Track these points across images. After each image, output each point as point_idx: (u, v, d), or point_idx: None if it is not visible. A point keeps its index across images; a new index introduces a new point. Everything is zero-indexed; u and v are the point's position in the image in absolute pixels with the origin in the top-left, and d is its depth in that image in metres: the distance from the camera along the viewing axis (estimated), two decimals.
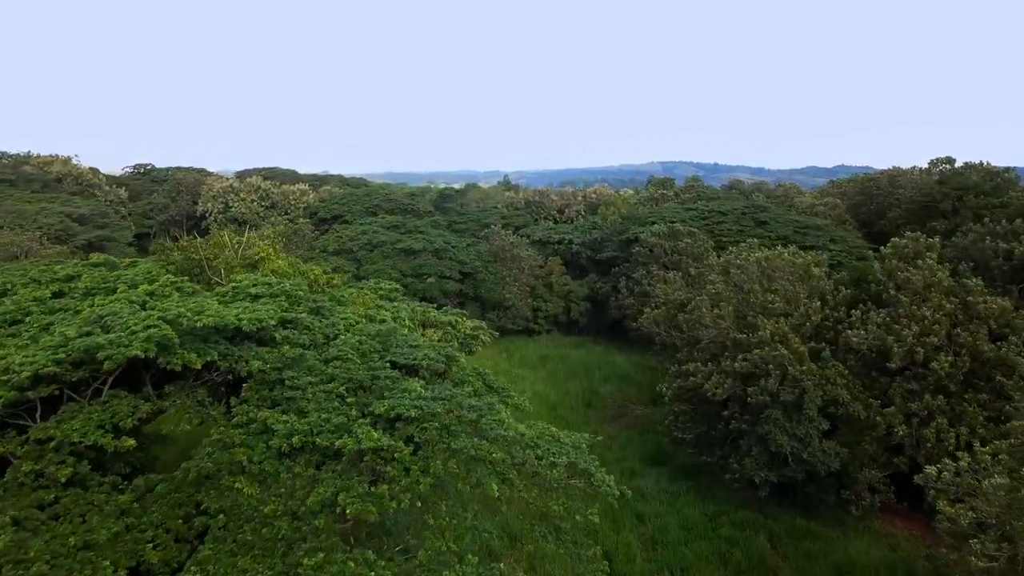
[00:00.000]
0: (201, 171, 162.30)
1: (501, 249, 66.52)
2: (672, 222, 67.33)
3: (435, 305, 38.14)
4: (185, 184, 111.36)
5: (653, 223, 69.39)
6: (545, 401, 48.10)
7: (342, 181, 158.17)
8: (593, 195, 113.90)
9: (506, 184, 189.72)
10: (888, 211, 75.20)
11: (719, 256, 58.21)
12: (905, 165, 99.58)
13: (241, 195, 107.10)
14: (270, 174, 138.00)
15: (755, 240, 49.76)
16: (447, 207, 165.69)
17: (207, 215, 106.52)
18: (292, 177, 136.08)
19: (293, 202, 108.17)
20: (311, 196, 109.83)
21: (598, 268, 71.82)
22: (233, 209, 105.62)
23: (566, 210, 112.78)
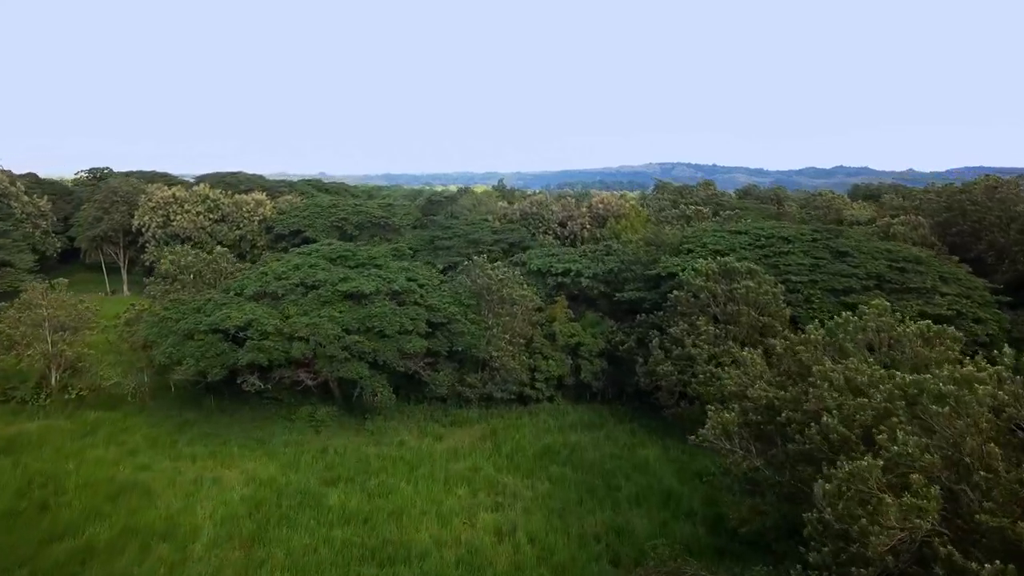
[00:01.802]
0: (165, 175, 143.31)
1: (486, 288, 47.58)
2: (718, 251, 48.47)
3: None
4: (120, 193, 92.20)
5: (690, 250, 50.50)
6: (546, 558, 29.30)
7: (318, 186, 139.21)
8: (600, 205, 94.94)
9: (501, 189, 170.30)
10: (987, 232, 56.39)
11: (792, 310, 39.38)
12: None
13: (185, 206, 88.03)
14: (232, 179, 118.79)
15: (871, 307, 30.95)
16: (435, 215, 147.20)
17: (144, 230, 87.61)
18: (256, 183, 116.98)
19: (247, 214, 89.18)
20: (268, 207, 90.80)
21: (616, 309, 52.97)
22: (175, 223, 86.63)
23: (568, 223, 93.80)
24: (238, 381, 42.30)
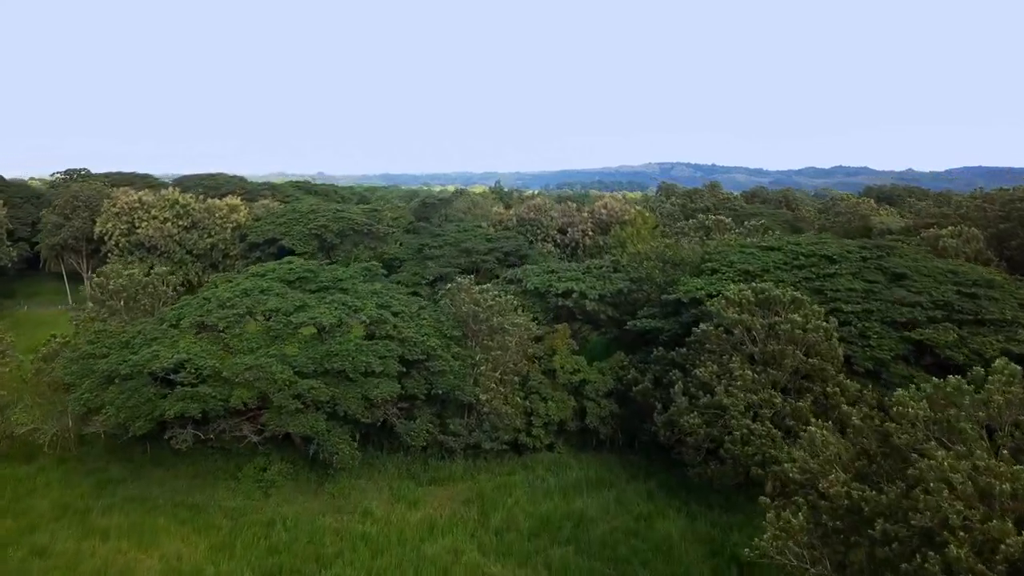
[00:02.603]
0: (146, 177, 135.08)
1: (473, 317, 39.34)
2: (748, 272, 40.31)
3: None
4: (82, 198, 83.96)
5: (714, 271, 42.31)
6: None
7: (307, 188, 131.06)
8: (603, 210, 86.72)
9: (498, 191, 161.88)
10: None
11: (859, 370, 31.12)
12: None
13: (152, 212, 79.77)
14: (211, 182, 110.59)
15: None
16: (429, 218, 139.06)
17: (106, 238, 79.40)
18: (237, 185, 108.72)
19: (219, 221, 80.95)
20: (242, 213, 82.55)
21: (626, 334, 44.87)
22: (140, 231, 78.39)
23: (569, 230, 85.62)
24: (166, 436, 34.14)
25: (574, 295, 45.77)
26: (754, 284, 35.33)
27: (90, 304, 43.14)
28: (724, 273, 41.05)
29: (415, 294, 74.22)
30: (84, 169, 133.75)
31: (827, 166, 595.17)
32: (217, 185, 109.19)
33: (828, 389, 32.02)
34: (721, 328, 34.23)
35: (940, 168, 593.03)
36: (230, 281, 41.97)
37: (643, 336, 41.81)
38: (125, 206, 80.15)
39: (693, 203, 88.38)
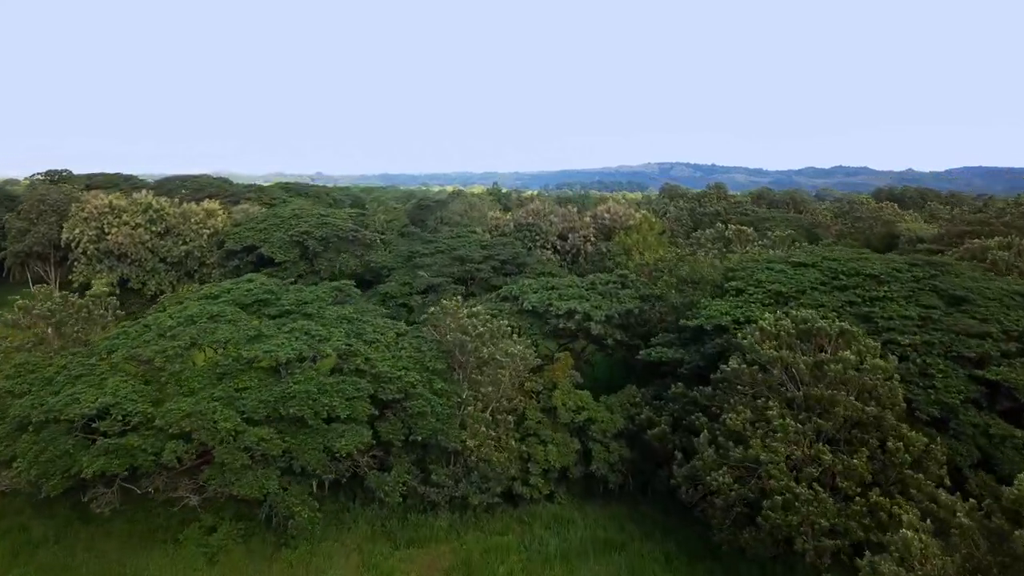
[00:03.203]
0: (130, 179, 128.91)
1: (459, 346, 33.29)
2: (781, 294, 34.31)
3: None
4: (49, 201, 77.86)
5: (740, 291, 36.30)
6: None
7: (298, 189, 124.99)
8: (606, 215, 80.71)
9: (495, 192, 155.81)
10: None
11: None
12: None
13: (124, 217, 73.70)
14: (194, 184, 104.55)
15: None
16: (425, 220, 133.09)
17: (74, 244, 73.35)
18: (220, 187, 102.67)
19: (195, 226, 74.87)
20: (220, 218, 76.48)
21: (636, 363, 38.90)
22: (110, 237, 72.34)
23: (570, 236, 79.60)
24: (85, 499, 28.17)
25: (577, 316, 39.76)
26: (791, 311, 29.34)
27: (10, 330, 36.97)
28: (751, 294, 35.06)
29: (403, 306, 68.37)
30: (66, 170, 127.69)
31: (827, 166, 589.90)
32: (200, 187, 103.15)
33: (889, 444, 26.06)
34: (756, 367, 28.24)
35: (940, 168, 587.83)
36: (181, 303, 35.89)
37: (658, 366, 35.82)
38: (95, 211, 74.07)
39: (702, 207, 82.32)
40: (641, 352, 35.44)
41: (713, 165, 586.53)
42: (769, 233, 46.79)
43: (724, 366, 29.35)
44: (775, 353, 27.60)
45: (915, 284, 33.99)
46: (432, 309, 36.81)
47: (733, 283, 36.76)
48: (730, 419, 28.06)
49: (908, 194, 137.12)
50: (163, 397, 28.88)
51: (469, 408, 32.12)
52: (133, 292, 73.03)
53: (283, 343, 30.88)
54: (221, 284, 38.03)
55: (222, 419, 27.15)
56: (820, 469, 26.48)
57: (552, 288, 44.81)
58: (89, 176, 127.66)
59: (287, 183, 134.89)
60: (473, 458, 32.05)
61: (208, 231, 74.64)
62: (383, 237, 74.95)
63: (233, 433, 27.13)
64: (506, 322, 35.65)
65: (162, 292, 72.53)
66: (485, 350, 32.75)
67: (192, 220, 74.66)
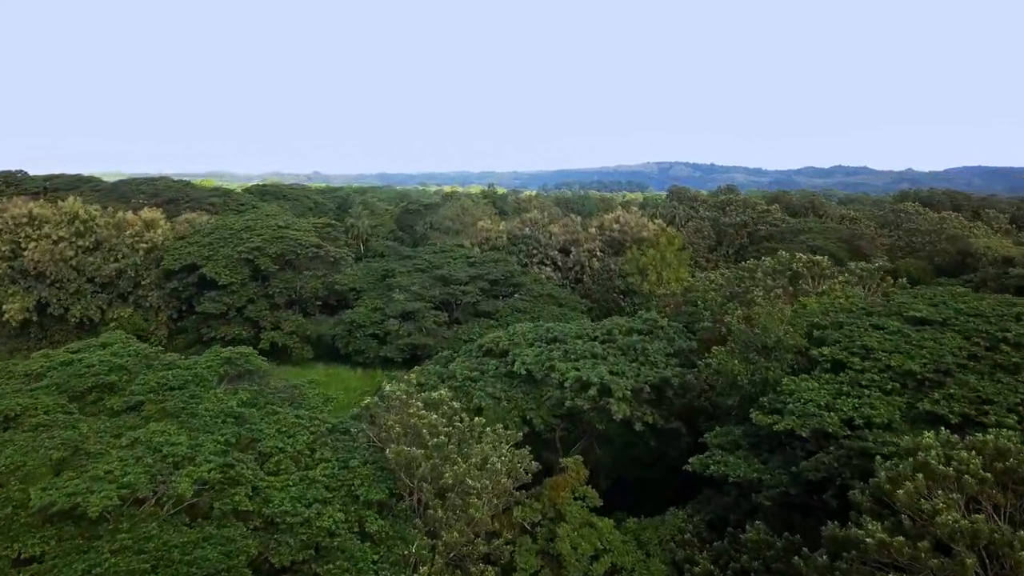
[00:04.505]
0: (90, 180, 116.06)
1: (406, 467, 20.53)
2: (913, 375, 21.63)
3: None
4: None
5: (838, 366, 23.54)
6: None
7: (276, 192, 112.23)
8: (614, 225, 68.06)
9: (491, 194, 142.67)
10: None
11: None
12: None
13: (45, 229, 60.88)
14: (149, 188, 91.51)
15: None
16: (412, 227, 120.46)
17: None
18: (180, 191, 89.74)
19: (130, 239, 62.07)
20: (161, 230, 63.66)
21: (673, 453, 26.32)
22: (27, 252, 59.52)
23: (573, 250, 67.03)
24: None
25: (591, 391, 27.04)
26: (978, 435, 16.59)
27: None
28: (859, 371, 22.36)
29: (374, 336, 55.70)
30: (21, 171, 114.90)
31: (826, 165, 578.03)
32: (157, 191, 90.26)
33: None
34: (923, 542, 15.50)
35: (939, 168, 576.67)
36: None
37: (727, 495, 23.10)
38: (11, 221, 61.28)
39: (726, 216, 69.71)
40: (691, 462, 22.69)
41: (712, 165, 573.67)
42: (851, 264, 33.57)
43: (851, 531, 16.58)
44: (963, 522, 14.87)
45: None
46: (366, 401, 23.92)
47: (825, 350, 24.05)
48: None
49: (936, 197, 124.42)
50: None
51: (423, 570, 19.39)
52: (55, 319, 60.51)
53: (115, 468, 18.16)
54: (52, 354, 25.15)
55: None
56: None
57: (554, 340, 32.04)
58: (47, 178, 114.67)
59: (263, 185, 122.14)
60: None
61: (146, 245, 61.78)
62: (348, 256, 62.00)
63: None
64: (481, 421, 22.81)
65: (90, 319, 59.91)
66: (448, 472, 20.01)
67: (126, 233, 61.87)
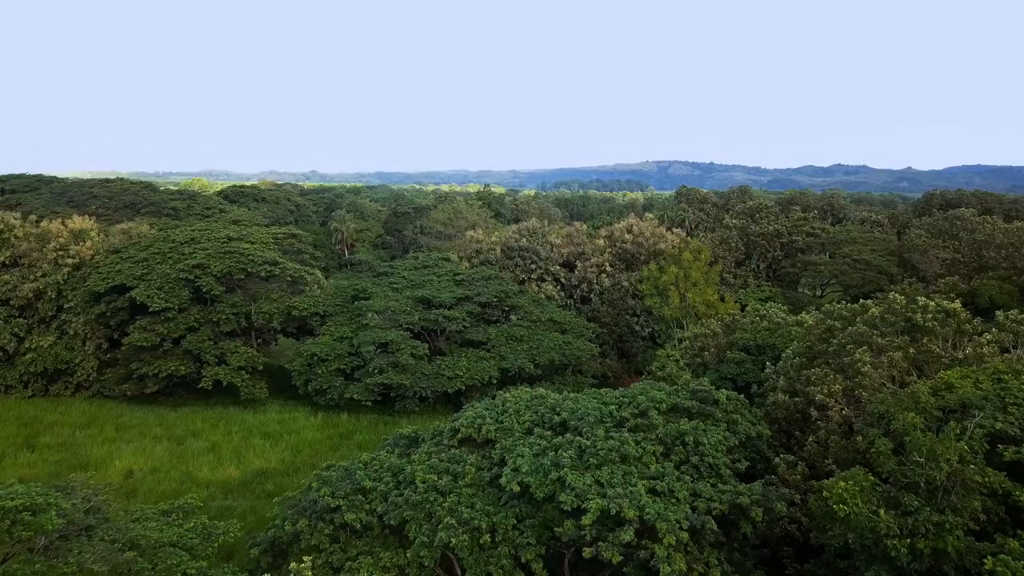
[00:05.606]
0: (51, 180, 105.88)
1: None
2: None
3: None
4: None
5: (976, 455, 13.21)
6: None
7: (253, 195, 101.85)
8: (627, 235, 57.60)
9: (487, 195, 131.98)
10: None
11: None
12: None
13: None
14: (104, 191, 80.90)
15: None
16: (401, 231, 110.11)
17: None
18: (140, 195, 79.13)
19: (54, 254, 51.56)
20: (91, 242, 53.13)
21: None
22: None
23: (578, 264, 56.59)
24: None
25: (627, 532, 16.62)
26: None
27: None
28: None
29: (339, 372, 45.67)
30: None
31: (826, 164, 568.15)
32: (112, 195, 79.81)
33: None
34: None
35: (939, 167, 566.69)
36: None
37: None
38: None
39: (757, 225, 59.10)
40: None
41: (711, 163, 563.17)
42: (1001, 317, 22.24)
43: None
44: None
45: None
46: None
47: (954, 439, 13.65)
48: None
49: (964, 198, 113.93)
50: None
51: None
52: None
53: None
54: None
55: None
56: None
57: (562, 427, 21.58)
58: (3, 179, 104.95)
59: (239, 185, 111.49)
60: None
61: (73, 260, 51.28)
62: (312, 274, 51.29)
63: None
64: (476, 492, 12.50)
65: (3, 350, 49.45)
66: None
67: (49, 246, 51.40)
